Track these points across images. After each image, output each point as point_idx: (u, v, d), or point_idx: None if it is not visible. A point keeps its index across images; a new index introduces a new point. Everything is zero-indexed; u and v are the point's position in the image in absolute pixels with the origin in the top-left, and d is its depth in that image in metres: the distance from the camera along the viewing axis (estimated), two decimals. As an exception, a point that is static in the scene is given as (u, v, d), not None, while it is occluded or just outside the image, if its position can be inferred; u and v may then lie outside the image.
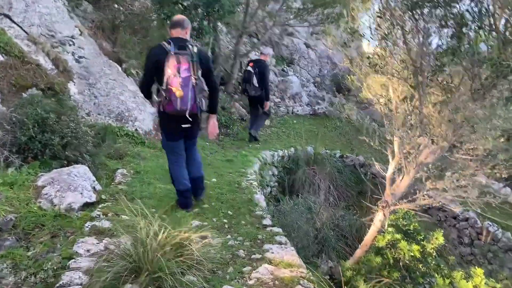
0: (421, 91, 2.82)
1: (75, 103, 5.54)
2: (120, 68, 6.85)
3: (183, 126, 3.38)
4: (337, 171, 7.60)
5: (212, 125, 3.78)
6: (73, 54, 5.94)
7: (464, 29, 2.39)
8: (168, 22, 7.46)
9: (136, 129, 6.14)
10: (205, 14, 7.16)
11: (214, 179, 4.52)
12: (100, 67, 6.29)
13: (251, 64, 7.52)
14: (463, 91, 2.57)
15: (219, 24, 8.16)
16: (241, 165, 5.48)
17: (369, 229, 5.54)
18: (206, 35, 7.13)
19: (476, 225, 6.52)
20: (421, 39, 2.73)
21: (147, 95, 3.51)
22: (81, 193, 3.41)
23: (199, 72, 3.27)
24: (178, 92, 3.17)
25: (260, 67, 7.40)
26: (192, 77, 3.21)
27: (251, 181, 4.54)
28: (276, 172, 7.02)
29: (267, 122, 9.38)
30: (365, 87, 3.64)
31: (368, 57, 3.36)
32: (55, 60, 5.65)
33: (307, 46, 19.73)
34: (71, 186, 3.42)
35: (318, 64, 20.45)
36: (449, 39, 2.53)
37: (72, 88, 5.73)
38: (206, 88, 3.36)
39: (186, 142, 3.72)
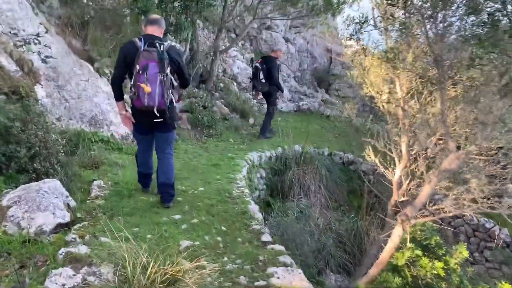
0: (442, 87, 2.57)
1: (43, 107, 5.09)
2: (92, 68, 6.41)
3: (154, 120, 3.50)
4: (327, 170, 7.39)
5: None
6: (39, 53, 5.47)
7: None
8: (143, 17, 7.05)
9: (112, 134, 5.74)
10: (182, 7, 6.78)
11: (201, 188, 4.20)
12: (70, 67, 5.84)
13: (259, 60, 7.98)
14: (488, 88, 2.35)
15: (196, 19, 7.79)
16: (228, 169, 5.18)
17: (367, 234, 5.37)
18: (184, 30, 6.76)
19: (485, 228, 6.34)
20: (440, 27, 2.49)
21: (118, 91, 3.69)
22: (53, 213, 3.04)
23: (168, 69, 3.42)
24: (146, 88, 3.33)
25: (268, 63, 7.70)
26: (160, 74, 3.36)
27: (242, 188, 4.25)
28: (264, 174, 6.76)
29: (250, 121, 9.10)
30: (368, 83, 3.38)
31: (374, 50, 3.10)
32: (19, 60, 5.18)
33: (286, 40, 19.51)
34: (41, 205, 3.04)
35: (298, 59, 20.29)
36: (476, 28, 2.28)
37: (40, 91, 5.27)
38: (175, 84, 3.54)
39: (157, 137, 3.84)
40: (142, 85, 3.34)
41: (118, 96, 3.72)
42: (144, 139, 3.91)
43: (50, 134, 4.09)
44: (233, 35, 16.98)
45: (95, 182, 4.10)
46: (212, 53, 9.63)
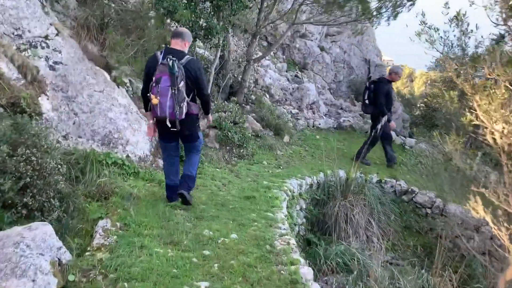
0: None
1: (46, 124, 4.40)
2: (108, 76, 5.73)
3: (171, 129, 3.83)
4: (379, 202, 6.40)
5: (207, 119, 4.64)
6: (46, 59, 4.82)
7: None
8: (169, 20, 6.34)
9: (127, 155, 4.99)
10: (215, 9, 6.04)
11: (234, 235, 3.33)
12: (83, 75, 5.16)
13: (370, 80, 7.82)
14: None
15: (230, 22, 7.04)
16: (265, 205, 4.31)
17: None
18: (216, 35, 6.01)
19: None
20: None
21: (144, 102, 4.06)
22: (33, 280, 2.25)
23: (182, 83, 3.70)
24: (154, 100, 3.69)
25: (377, 84, 7.41)
26: (171, 88, 3.65)
27: (286, 237, 3.35)
28: (304, 206, 5.85)
29: (285, 138, 8.23)
30: (480, 107, 2.45)
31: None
32: (22, 66, 4.52)
33: (321, 49, 18.65)
34: (17, 268, 2.26)
35: (333, 69, 19.35)
36: None
37: (45, 103, 4.60)
38: (187, 98, 3.79)
39: (184, 145, 4.35)
40: (152, 96, 3.71)
41: (145, 106, 4.07)
42: (167, 146, 4.26)
43: (48, 160, 3.34)
44: (265, 43, 16.30)
45: (100, 223, 3.31)
46: (244, 61, 8.86)
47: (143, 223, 3.35)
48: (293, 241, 3.25)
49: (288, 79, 14.64)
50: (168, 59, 3.66)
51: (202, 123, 5.84)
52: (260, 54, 11.24)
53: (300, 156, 7.44)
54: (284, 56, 17.48)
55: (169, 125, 3.76)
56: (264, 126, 8.34)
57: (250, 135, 7.42)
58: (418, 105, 23.60)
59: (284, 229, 3.62)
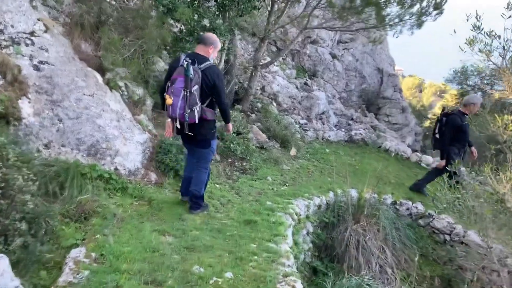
0: None
1: (28, 128, 3.99)
2: (100, 79, 5.32)
3: (186, 132, 3.95)
4: (394, 227, 5.90)
5: (226, 127, 4.60)
6: (30, 57, 4.42)
7: None
8: (170, 18, 5.94)
9: (116, 168, 4.55)
10: (220, 8, 5.62)
11: (228, 273, 2.86)
12: (71, 77, 4.75)
13: (443, 111, 6.95)
14: None
15: (236, 23, 6.63)
16: (268, 232, 3.83)
17: None
18: (220, 37, 5.58)
19: None
20: None
21: (161, 101, 4.07)
22: None
23: (195, 87, 3.81)
24: (168, 100, 3.82)
25: (448, 117, 6.65)
26: (183, 89, 3.79)
27: (291, 279, 2.86)
28: (311, 229, 5.36)
29: (292, 151, 7.76)
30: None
31: None
32: (2, 65, 4.12)
33: (333, 56, 18.27)
34: None
35: (345, 78, 18.92)
36: None
37: (26, 106, 4.19)
38: (199, 103, 3.88)
39: (195, 150, 4.37)
40: (167, 96, 3.84)
41: (162, 106, 4.08)
42: (188, 148, 4.50)
43: (16, 176, 2.91)
44: (274, 48, 15.90)
45: (72, 253, 2.87)
46: (251, 67, 8.44)
47: (123, 254, 2.89)
48: (299, 285, 2.77)
49: (297, 87, 14.19)
50: (185, 61, 3.82)
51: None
52: (268, 59, 10.82)
53: (307, 171, 6.96)
54: (293, 63, 17.09)
55: (179, 127, 3.91)
56: (270, 137, 7.89)
57: (254, 147, 6.97)
58: (429, 117, 23.14)
59: (289, 265, 3.15)
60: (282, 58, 15.00)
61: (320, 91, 13.77)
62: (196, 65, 3.85)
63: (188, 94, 3.78)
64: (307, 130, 9.34)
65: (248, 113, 8.84)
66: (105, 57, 5.73)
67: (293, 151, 7.71)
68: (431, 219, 6.62)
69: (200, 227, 3.75)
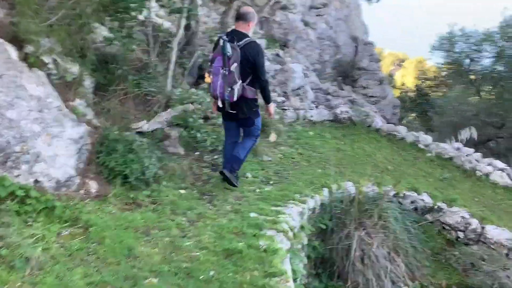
0: None
1: None
2: (15, 54, 4.00)
3: (227, 111, 4.13)
4: (404, 227, 5.02)
5: (267, 110, 4.52)
6: None
7: None
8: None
9: (36, 180, 3.35)
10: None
11: None
12: (-37, 51, 3.41)
13: None
14: None
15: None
16: (258, 268, 2.79)
17: None
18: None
19: None
20: None
21: None
22: None
23: (234, 65, 3.86)
24: (207, 78, 4.12)
25: None
26: (222, 68, 3.89)
27: None
28: (305, 240, 4.36)
29: (272, 137, 6.70)
30: None
31: None
32: None
33: (306, 24, 17.09)
34: None
35: (318, 47, 17.87)
36: None
37: None
38: (240, 81, 3.94)
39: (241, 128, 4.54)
40: (206, 75, 4.15)
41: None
42: (227, 126, 4.57)
43: None
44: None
45: None
46: (217, 35, 7.18)
47: None
48: None
49: (268, 59, 13.02)
50: (223, 39, 3.89)
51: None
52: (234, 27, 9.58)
53: (292, 162, 5.95)
54: (262, 31, 15.81)
55: (220, 105, 4.07)
56: (244, 121, 6.77)
57: (227, 134, 5.84)
58: (406, 89, 22.71)
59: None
60: (250, 27, 13.73)
61: (295, 63, 12.67)
62: (235, 43, 3.89)
63: (227, 73, 3.87)
64: (285, 109, 8.29)
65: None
66: (23, 24, 4.37)
67: (272, 137, 6.65)
68: (441, 213, 5.79)
69: (160, 269, 2.65)
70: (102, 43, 5.41)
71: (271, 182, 4.99)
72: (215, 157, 5.31)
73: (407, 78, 32.06)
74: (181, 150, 5.23)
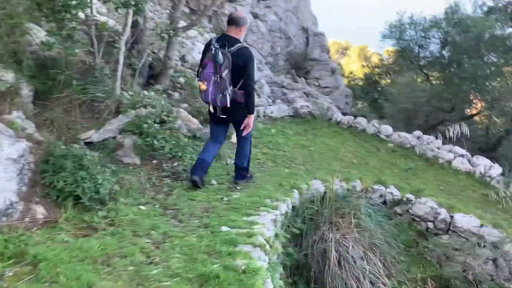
0: None
1: None
2: None
3: (219, 116, 4.25)
4: (377, 223, 4.92)
5: (245, 123, 4.39)
6: None
7: None
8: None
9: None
10: None
11: None
12: None
13: None
14: None
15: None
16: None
17: None
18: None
19: None
20: None
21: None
22: None
23: (225, 72, 3.96)
24: (201, 85, 4.14)
25: None
26: (213, 75, 3.98)
27: None
28: (280, 248, 4.13)
29: (234, 138, 6.41)
30: None
31: None
32: None
33: (255, 16, 16.90)
34: None
35: (270, 40, 17.74)
36: None
37: None
38: (231, 87, 4.05)
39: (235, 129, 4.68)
40: (199, 82, 4.17)
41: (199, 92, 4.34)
42: (214, 129, 4.68)
43: None
44: (186, 10, 14.11)
45: None
46: (167, 32, 6.76)
47: None
48: None
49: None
50: (213, 46, 3.96)
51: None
52: (183, 23, 9.16)
53: (258, 163, 5.71)
54: (211, 25, 15.42)
55: (212, 111, 4.20)
56: (203, 122, 6.44)
57: (186, 138, 5.50)
58: (355, 77, 23.15)
59: None
60: (198, 21, 13.29)
61: (249, 57, 12.42)
62: (226, 48, 3.96)
63: (218, 80, 3.96)
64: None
65: (169, 91, 7.25)
66: None
67: (234, 138, 6.34)
68: (410, 205, 5.78)
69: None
70: (39, 47, 4.87)
71: (239, 188, 4.70)
72: (175, 164, 4.96)
73: (352, 66, 32.83)
74: (137, 160, 4.83)
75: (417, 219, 5.76)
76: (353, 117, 8.16)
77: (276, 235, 3.90)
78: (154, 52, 7.62)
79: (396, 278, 4.86)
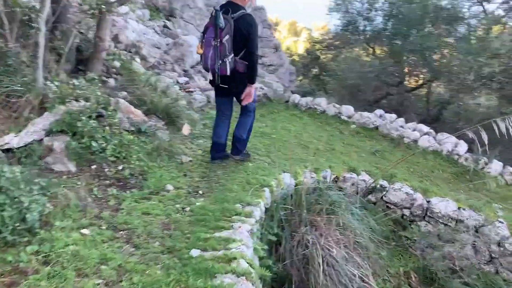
0: None
1: None
2: None
3: (220, 85, 4.25)
4: (357, 219, 4.51)
5: (246, 93, 4.35)
6: None
7: None
8: None
9: None
10: None
11: None
12: None
13: None
14: None
15: None
16: None
17: None
18: None
19: None
20: None
21: None
22: None
23: (226, 37, 3.90)
24: (199, 49, 4.19)
25: None
26: (213, 40, 3.93)
27: None
28: (257, 261, 3.57)
29: (185, 129, 5.71)
30: None
31: None
32: None
33: (191, -12, 15.84)
34: None
35: (208, 16, 16.79)
36: None
37: None
38: (231, 54, 3.99)
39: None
40: (198, 46, 4.20)
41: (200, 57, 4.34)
42: (219, 102, 4.70)
43: None
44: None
45: None
46: (96, 9, 5.78)
47: None
48: None
49: (156, 32, 11.67)
50: (216, 10, 3.92)
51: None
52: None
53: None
54: (142, 1, 14.24)
55: (211, 78, 4.29)
56: (148, 112, 5.64)
57: (131, 135, 4.71)
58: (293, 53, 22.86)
59: None
60: (128, -4, 12.11)
61: (189, 35, 11.52)
62: (229, 14, 3.90)
63: (218, 44, 3.89)
64: (192, 91, 7.25)
65: (103, 78, 6.32)
66: None
67: (186, 129, 5.65)
68: (385, 192, 5.44)
69: None
70: None
71: (201, 192, 4.05)
72: (120, 168, 4.20)
73: (285, 43, 32.57)
74: (71, 167, 4.00)
75: (392, 206, 5.45)
76: (311, 98, 7.71)
77: (255, 249, 3.33)
78: (81, 33, 6.60)
79: (380, 277, 4.51)
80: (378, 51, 14.47)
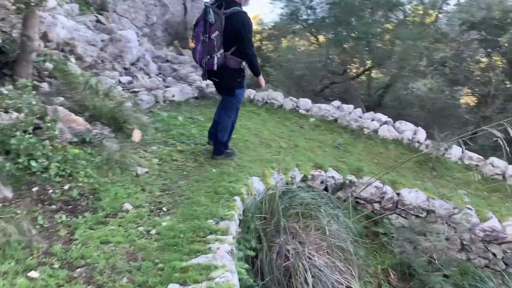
0: None
1: None
2: None
3: (212, 79, 4.35)
4: (334, 220, 4.28)
5: (258, 82, 4.62)
6: None
7: None
8: None
9: None
10: None
11: None
12: None
13: None
14: None
15: None
16: None
17: None
18: None
19: None
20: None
21: None
22: None
23: (215, 33, 3.88)
24: (190, 43, 4.46)
25: None
26: (202, 34, 3.94)
27: None
28: (237, 282, 3.21)
29: (135, 135, 5.19)
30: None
31: None
32: None
33: (124, -19, 14.95)
34: None
35: (144, 8, 15.97)
36: None
37: None
38: (220, 50, 3.97)
39: (221, 97, 4.72)
40: (190, 39, 4.21)
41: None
42: (219, 93, 4.81)
43: None
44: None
45: None
46: (28, 2, 5.06)
47: None
48: None
49: (89, 27, 10.79)
50: (209, 6, 3.89)
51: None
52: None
53: (177, 166, 4.60)
54: (71, -6, 13.21)
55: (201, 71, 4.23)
56: (91, 119, 5.04)
57: (76, 148, 4.13)
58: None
59: None
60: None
61: (126, 30, 10.76)
62: (222, 9, 3.89)
63: (206, 40, 3.90)
64: (137, 91, 6.66)
65: (36, 82, 5.60)
66: None
67: (136, 135, 5.10)
68: (354, 187, 5.27)
69: None
70: None
71: (165, 209, 3.61)
72: (66, 188, 3.63)
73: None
74: (7, 192, 3.39)
75: (362, 201, 5.30)
76: (267, 93, 7.39)
77: (238, 273, 2.97)
78: (4, 32, 5.81)
79: (362, 279, 4.32)
80: (322, 39, 14.44)
